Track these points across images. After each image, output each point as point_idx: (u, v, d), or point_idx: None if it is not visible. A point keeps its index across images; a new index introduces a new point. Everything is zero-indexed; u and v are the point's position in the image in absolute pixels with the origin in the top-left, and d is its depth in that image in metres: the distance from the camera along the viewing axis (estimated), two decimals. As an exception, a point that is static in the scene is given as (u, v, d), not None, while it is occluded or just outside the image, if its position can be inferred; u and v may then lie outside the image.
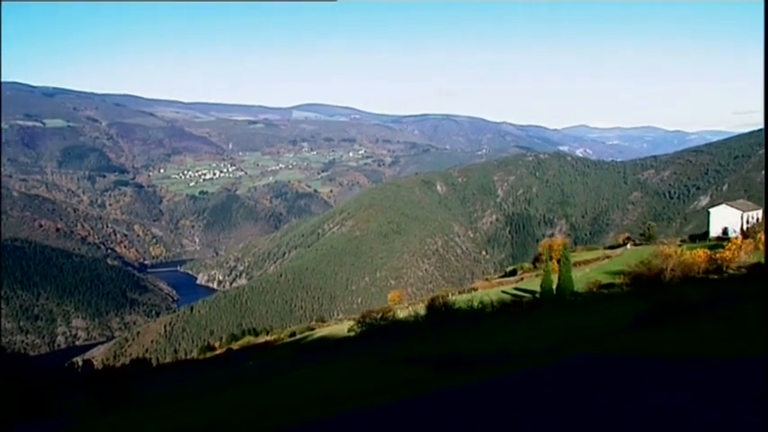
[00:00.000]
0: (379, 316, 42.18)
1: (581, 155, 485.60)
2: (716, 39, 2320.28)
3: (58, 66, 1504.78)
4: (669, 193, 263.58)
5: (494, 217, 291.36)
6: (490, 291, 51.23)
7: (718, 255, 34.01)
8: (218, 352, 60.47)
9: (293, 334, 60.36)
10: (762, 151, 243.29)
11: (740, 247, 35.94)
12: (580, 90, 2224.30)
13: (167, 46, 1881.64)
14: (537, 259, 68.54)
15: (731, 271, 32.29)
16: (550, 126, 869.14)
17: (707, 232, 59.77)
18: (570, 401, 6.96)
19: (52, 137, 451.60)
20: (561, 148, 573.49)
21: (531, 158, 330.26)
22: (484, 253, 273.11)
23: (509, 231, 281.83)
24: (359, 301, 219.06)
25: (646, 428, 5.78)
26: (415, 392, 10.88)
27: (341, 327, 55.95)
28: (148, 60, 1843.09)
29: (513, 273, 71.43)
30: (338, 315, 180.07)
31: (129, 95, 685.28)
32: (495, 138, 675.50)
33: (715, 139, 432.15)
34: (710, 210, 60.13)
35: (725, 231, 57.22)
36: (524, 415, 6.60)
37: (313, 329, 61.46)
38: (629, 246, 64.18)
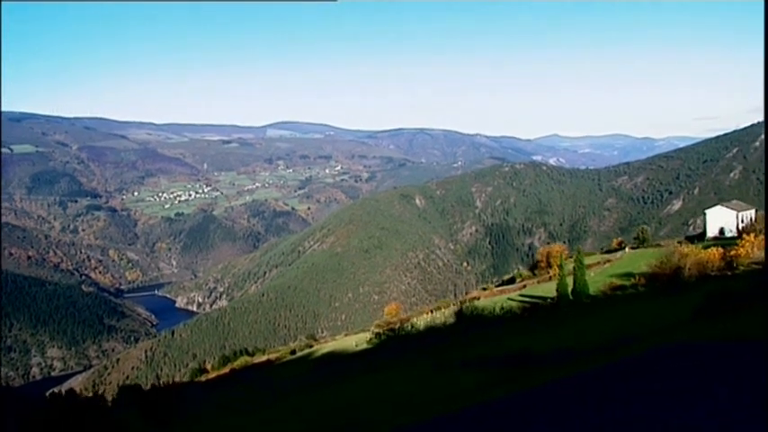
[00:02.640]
0: (397, 326, 41.75)
1: (554, 164, 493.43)
2: (678, 47, 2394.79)
3: (24, 90, 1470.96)
4: (643, 198, 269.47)
5: (473, 228, 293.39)
6: (494, 299, 51.33)
7: (732, 252, 34.85)
8: (216, 373, 59.09)
9: (293, 352, 59.45)
10: (729, 155, 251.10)
11: (753, 244, 36.97)
12: (551, 100, 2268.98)
13: (137, 67, 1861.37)
14: (535, 266, 69.11)
15: (743, 267, 33.05)
16: (523, 137, 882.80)
17: (703, 233, 61.35)
18: (685, 386, 6.90)
19: (20, 163, 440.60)
20: (535, 157, 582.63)
21: (507, 169, 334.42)
22: (465, 264, 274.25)
23: (489, 242, 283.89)
24: (343, 317, 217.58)
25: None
26: (513, 389, 10.72)
27: (346, 341, 55.27)
28: (118, 82, 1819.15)
29: (512, 281, 71.81)
30: (323, 333, 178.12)
31: (100, 118, 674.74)
32: (469, 150, 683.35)
33: (682, 144, 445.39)
34: (707, 211, 62.17)
35: (721, 231, 59.18)
36: (643, 399, 6.51)
37: (312, 346, 60.62)
38: (627, 249, 65.31)
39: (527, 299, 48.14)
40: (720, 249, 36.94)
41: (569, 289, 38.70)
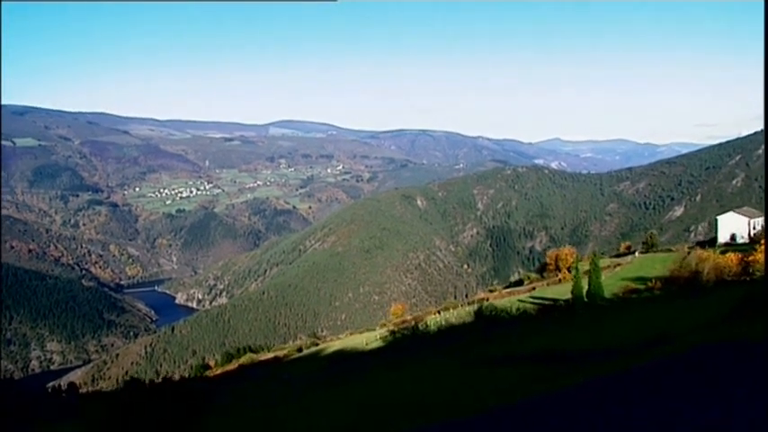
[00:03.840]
0: (411, 325, 41.91)
1: (556, 168, 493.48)
2: (682, 54, 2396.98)
3: (28, 84, 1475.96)
4: (645, 203, 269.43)
5: (474, 230, 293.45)
6: (503, 300, 51.46)
7: (751, 257, 35.06)
8: (222, 370, 59.08)
9: (300, 349, 59.48)
10: (732, 162, 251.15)
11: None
12: (553, 104, 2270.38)
13: (141, 63, 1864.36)
14: (543, 269, 69.33)
15: (759, 273, 33.21)
16: (525, 140, 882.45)
17: (714, 238, 61.58)
18: (733, 382, 6.99)
19: (23, 156, 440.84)
20: (536, 161, 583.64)
21: (509, 172, 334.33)
22: (465, 267, 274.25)
23: (490, 244, 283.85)
24: (343, 317, 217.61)
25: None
26: (556, 386, 10.79)
27: (353, 339, 55.25)
28: (121, 78, 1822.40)
29: (520, 283, 71.96)
30: (322, 332, 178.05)
31: (102, 113, 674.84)
32: (471, 152, 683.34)
33: (684, 150, 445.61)
34: (718, 217, 62.54)
35: (733, 237, 59.55)
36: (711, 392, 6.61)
37: (317, 344, 60.69)
38: (637, 254, 65.55)
39: (538, 300, 48.27)
40: (738, 254, 37.18)
41: (584, 291, 38.85)
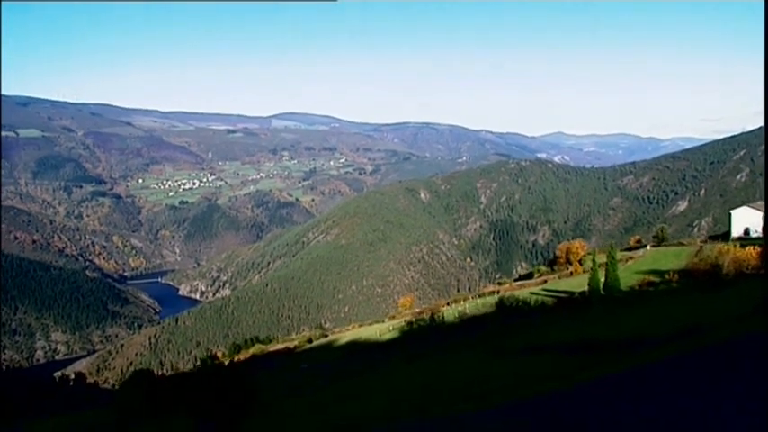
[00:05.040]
0: (428, 316, 42.29)
1: (559, 162, 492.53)
2: (685, 48, 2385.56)
3: (31, 75, 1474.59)
4: (648, 198, 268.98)
5: (477, 224, 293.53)
6: (515, 293, 51.65)
7: None
8: (230, 360, 59.44)
9: (310, 340, 59.90)
10: (736, 157, 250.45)
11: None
12: (556, 98, 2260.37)
13: (144, 54, 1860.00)
14: (554, 262, 69.46)
15: None
16: (528, 133, 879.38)
17: (728, 233, 61.59)
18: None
19: (26, 147, 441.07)
20: (539, 155, 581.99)
21: (513, 165, 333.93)
22: (468, 260, 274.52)
23: (493, 238, 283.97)
24: (346, 309, 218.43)
25: None
26: (604, 372, 11.01)
27: (363, 331, 55.58)
28: (125, 70, 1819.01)
29: (530, 276, 72.18)
30: (326, 324, 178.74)
31: (106, 105, 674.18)
32: (474, 145, 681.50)
33: (687, 145, 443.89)
34: (732, 211, 62.39)
35: (746, 231, 59.48)
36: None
37: (327, 336, 61.14)
38: (648, 247, 65.74)
39: (552, 293, 48.51)
40: (757, 248, 37.34)
41: (601, 284, 39.13)
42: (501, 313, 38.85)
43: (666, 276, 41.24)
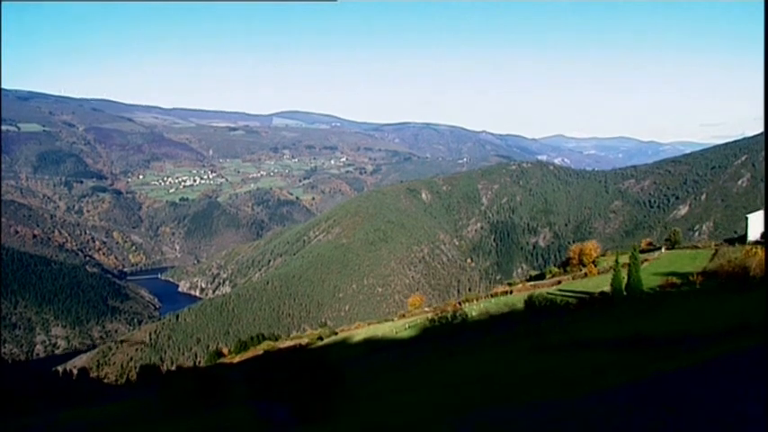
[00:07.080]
0: (450, 314, 42.58)
1: (559, 164, 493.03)
2: (686, 54, 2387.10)
3: (33, 69, 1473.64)
4: (649, 202, 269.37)
5: (478, 225, 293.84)
6: (529, 293, 51.78)
7: None
8: (240, 357, 59.60)
9: (320, 338, 60.03)
10: (737, 162, 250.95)
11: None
12: (557, 101, 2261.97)
13: (146, 50, 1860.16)
14: (566, 263, 69.76)
15: None
16: (529, 136, 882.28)
17: (744, 236, 61.66)
18: None
19: (27, 141, 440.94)
20: (540, 157, 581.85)
21: (514, 167, 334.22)
22: (469, 261, 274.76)
23: (494, 239, 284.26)
24: (347, 308, 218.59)
25: None
26: (662, 368, 11.22)
27: (375, 328, 55.70)
28: (127, 65, 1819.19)
29: (541, 276, 72.43)
30: (326, 322, 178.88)
31: (107, 100, 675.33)
32: (475, 147, 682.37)
33: (687, 150, 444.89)
34: (748, 215, 62.25)
35: (763, 235, 59.40)
36: None
37: (336, 333, 61.32)
38: (663, 249, 66.07)
39: (570, 293, 48.76)
40: None
41: (623, 284, 39.53)
42: (530, 311, 39.15)
43: (690, 278, 41.70)
